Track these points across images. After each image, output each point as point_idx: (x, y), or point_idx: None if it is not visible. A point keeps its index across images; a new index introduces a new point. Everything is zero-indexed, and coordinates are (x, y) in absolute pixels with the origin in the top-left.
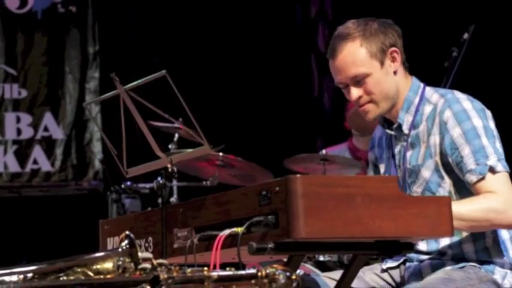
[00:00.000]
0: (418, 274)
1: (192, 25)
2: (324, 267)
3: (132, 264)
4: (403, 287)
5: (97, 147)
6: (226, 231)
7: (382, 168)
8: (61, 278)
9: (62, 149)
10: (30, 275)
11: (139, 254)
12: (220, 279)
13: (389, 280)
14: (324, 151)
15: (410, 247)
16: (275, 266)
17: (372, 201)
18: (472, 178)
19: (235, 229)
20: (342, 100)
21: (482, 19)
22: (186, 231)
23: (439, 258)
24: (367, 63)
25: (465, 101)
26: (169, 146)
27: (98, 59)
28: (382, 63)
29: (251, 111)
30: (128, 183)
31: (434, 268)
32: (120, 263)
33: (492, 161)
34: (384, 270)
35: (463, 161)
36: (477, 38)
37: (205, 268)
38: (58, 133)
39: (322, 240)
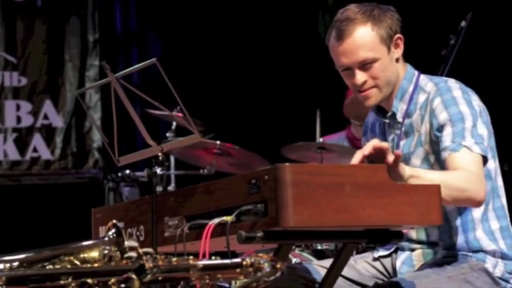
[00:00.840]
0: (410, 263)
1: (191, 13)
2: (322, 256)
3: (118, 253)
4: (396, 276)
5: (97, 135)
6: (216, 220)
7: None
8: (47, 267)
9: (62, 137)
10: (16, 263)
11: (126, 243)
12: (206, 268)
13: (381, 268)
14: (321, 139)
15: (400, 236)
16: (260, 255)
17: (361, 189)
18: (445, 155)
19: (224, 218)
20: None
21: (480, 7)
22: (176, 219)
23: (431, 247)
24: (377, 47)
25: (456, 90)
26: (167, 134)
27: (97, 47)
28: (389, 49)
29: (249, 99)
30: (127, 171)
31: (426, 257)
32: (106, 251)
33: (468, 142)
34: (375, 259)
35: (441, 140)
36: (474, 26)
37: (191, 257)
38: (58, 121)
39: (311, 228)
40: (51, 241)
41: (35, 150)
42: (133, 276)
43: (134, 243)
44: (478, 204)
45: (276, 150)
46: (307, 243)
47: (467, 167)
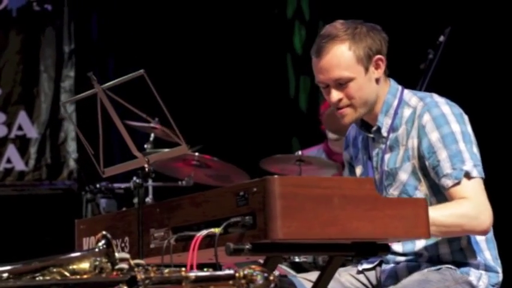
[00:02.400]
0: (394, 276)
1: (170, 25)
2: (299, 268)
3: (109, 264)
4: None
5: (72, 147)
6: (204, 232)
7: (358, 169)
8: (37, 278)
9: (36, 148)
10: (5, 275)
11: (117, 254)
12: (198, 279)
13: (365, 282)
14: (300, 152)
15: (387, 249)
16: (253, 267)
17: (349, 202)
18: (447, 182)
19: (212, 229)
20: (318, 101)
21: (459, 21)
22: (162, 231)
23: (415, 260)
24: (353, 67)
25: (444, 105)
26: (145, 146)
27: (73, 57)
28: (366, 69)
29: (227, 111)
30: (103, 183)
31: (410, 270)
32: (97, 263)
33: (468, 166)
34: (359, 272)
35: (439, 165)
36: (453, 41)
37: (183, 269)
38: (32, 132)
39: (299, 241)
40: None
41: (8, 161)
42: (125, 287)
43: (126, 255)
44: (483, 232)
45: (255, 162)
46: (293, 256)
47: (473, 197)
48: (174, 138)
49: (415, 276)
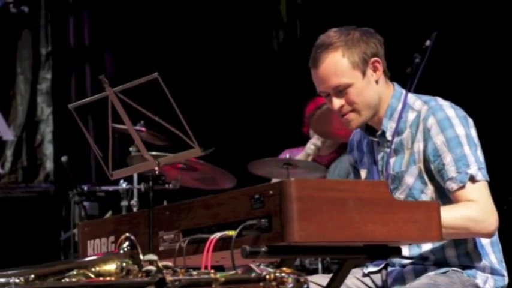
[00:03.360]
0: (401, 279)
1: (146, 29)
2: None
3: (135, 266)
4: None
5: (49, 149)
6: (218, 234)
7: (363, 173)
8: (63, 280)
9: (12, 150)
10: (32, 276)
11: (146, 256)
12: (228, 281)
13: (371, 284)
14: (287, 155)
15: (399, 251)
16: (283, 269)
17: (364, 205)
18: (452, 186)
19: (227, 232)
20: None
21: (445, 26)
22: (172, 234)
23: (422, 263)
24: (349, 73)
25: (448, 109)
26: (130, 149)
27: (50, 60)
28: (363, 73)
29: (215, 114)
30: (85, 185)
31: (417, 273)
32: (124, 265)
33: (473, 169)
34: (365, 275)
35: (444, 169)
36: (440, 45)
37: (212, 271)
38: (8, 134)
39: (313, 243)
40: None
41: None
42: None
43: (154, 256)
44: (489, 235)
45: (242, 165)
46: (308, 258)
47: (478, 201)
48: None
49: (423, 279)
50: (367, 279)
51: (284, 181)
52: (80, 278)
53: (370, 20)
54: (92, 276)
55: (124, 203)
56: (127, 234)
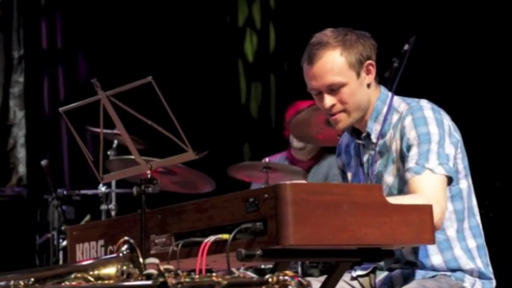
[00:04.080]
0: (390, 284)
1: (118, 32)
2: (263, 274)
3: (136, 269)
4: None
5: (21, 153)
6: (212, 238)
7: (349, 175)
8: (63, 284)
9: None
10: (32, 279)
11: (148, 259)
12: (230, 285)
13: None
14: (267, 159)
15: (391, 255)
16: (286, 272)
17: (358, 208)
18: (408, 176)
19: (220, 235)
20: (268, 107)
21: (423, 30)
22: (164, 237)
23: (410, 268)
24: (345, 73)
25: (427, 110)
26: (108, 153)
27: (22, 63)
28: (358, 74)
29: (194, 117)
30: (60, 189)
31: (405, 278)
32: (124, 268)
33: (431, 164)
34: (353, 278)
35: (407, 160)
36: (418, 49)
37: (214, 274)
38: None
39: (308, 247)
40: None
41: None
42: None
43: (155, 260)
44: None
45: (221, 169)
46: (300, 261)
47: (425, 191)
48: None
49: (412, 285)
50: (355, 283)
51: (279, 185)
52: (79, 282)
53: (347, 24)
54: (92, 279)
55: (104, 206)
56: (126, 238)
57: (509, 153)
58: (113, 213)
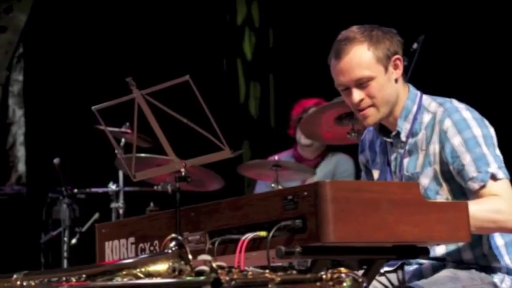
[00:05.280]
0: (419, 275)
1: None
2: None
3: (187, 266)
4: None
5: (20, 151)
6: (250, 235)
7: (376, 173)
8: (114, 279)
9: None
10: (84, 276)
11: (200, 256)
12: (284, 281)
13: (387, 283)
14: (276, 157)
15: (427, 252)
16: (340, 269)
17: (396, 206)
18: (474, 186)
19: (258, 233)
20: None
21: (433, 29)
22: (198, 235)
23: (439, 262)
24: (373, 66)
25: (464, 111)
26: (116, 151)
27: (21, 62)
28: (386, 69)
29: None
30: (63, 188)
31: (435, 270)
32: (176, 265)
33: (493, 168)
34: (381, 274)
35: (464, 169)
36: (427, 48)
37: (267, 271)
38: None
39: (347, 244)
40: None
41: None
42: None
43: (208, 257)
44: None
45: (231, 167)
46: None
47: (502, 194)
48: (148, 144)
49: (444, 272)
50: (382, 278)
51: (319, 182)
52: (130, 278)
53: (349, 23)
54: (141, 276)
55: (114, 205)
56: (173, 235)
57: None
58: (120, 211)
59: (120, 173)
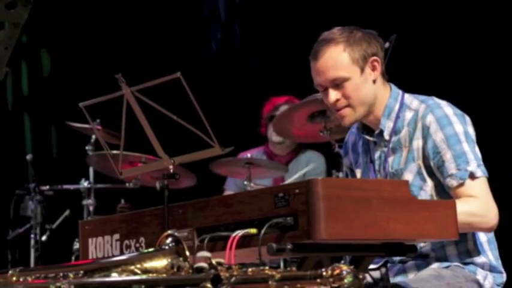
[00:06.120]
0: (403, 273)
1: (83, 25)
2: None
3: (186, 263)
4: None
5: None
6: (240, 232)
7: (358, 173)
8: (112, 275)
9: None
10: (81, 272)
11: (199, 253)
12: (284, 278)
13: (370, 280)
14: (248, 154)
15: (415, 249)
16: (340, 265)
17: (387, 204)
18: (452, 182)
19: (248, 230)
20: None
21: (404, 28)
22: (186, 232)
23: (423, 260)
24: (348, 67)
25: (446, 107)
26: (86, 148)
27: None
28: (362, 70)
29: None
30: (31, 184)
31: (419, 268)
32: (174, 261)
33: (472, 166)
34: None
35: (444, 165)
36: (399, 47)
37: (266, 267)
38: None
39: (338, 242)
40: None
41: None
42: (209, 286)
43: (207, 253)
44: (490, 230)
45: (203, 165)
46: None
47: (478, 195)
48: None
49: (428, 271)
50: (366, 276)
51: (311, 180)
52: (128, 275)
53: (328, 22)
54: (139, 272)
55: (85, 201)
56: (169, 231)
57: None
58: (91, 208)
59: (91, 170)
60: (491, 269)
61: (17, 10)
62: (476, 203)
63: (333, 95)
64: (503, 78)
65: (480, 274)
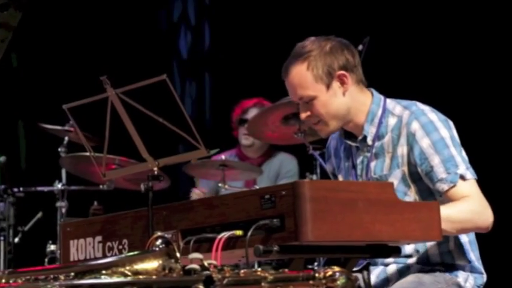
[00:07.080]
0: (385, 279)
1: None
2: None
3: (177, 264)
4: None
5: None
6: (226, 234)
7: (340, 178)
8: (103, 277)
9: None
10: (72, 274)
11: (191, 255)
12: (277, 280)
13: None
14: (222, 156)
15: (399, 251)
16: (332, 267)
17: (372, 206)
18: (443, 187)
19: (234, 232)
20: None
21: (377, 30)
22: (171, 233)
23: (404, 262)
24: (312, 86)
25: (430, 113)
26: (59, 150)
27: None
28: (328, 86)
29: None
30: (3, 186)
31: (400, 273)
32: (166, 263)
33: (462, 169)
34: None
35: (433, 171)
36: (372, 50)
37: (259, 269)
38: None
39: (324, 243)
40: None
41: None
42: (201, 287)
43: (199, 255)
44: (488, 228)
45: (176, 166)
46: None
47: (473, 195)
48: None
49: (409, 278)
50: None
51: (298, 182)
52: (118, 277)
53: (302, 25)
54: (129, 274)
55: (59, 203)
56: (159, 233)
57: (489, 149)
58: (63, 210)
59: (63, 172)
60: (472, 269)
61: (9, 12)
62: (473, 201)
63: (303, 112)
64: (481, 80)
65: (461, 276)
